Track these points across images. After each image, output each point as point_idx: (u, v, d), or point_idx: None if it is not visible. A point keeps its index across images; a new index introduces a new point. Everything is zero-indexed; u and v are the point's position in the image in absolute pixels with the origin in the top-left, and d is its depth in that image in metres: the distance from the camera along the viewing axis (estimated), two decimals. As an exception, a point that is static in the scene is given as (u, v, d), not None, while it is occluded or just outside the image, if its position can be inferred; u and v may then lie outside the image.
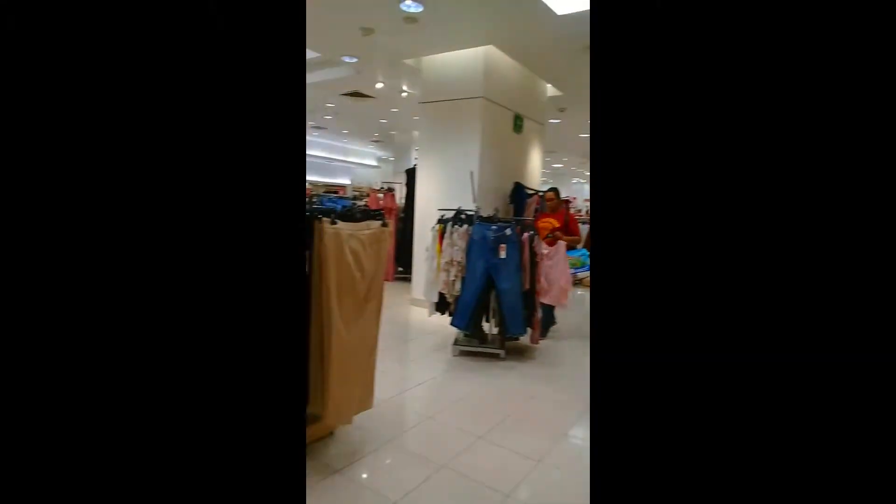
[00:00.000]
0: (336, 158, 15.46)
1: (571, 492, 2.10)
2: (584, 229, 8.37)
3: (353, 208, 2.52)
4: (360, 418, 2.49)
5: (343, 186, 14.86)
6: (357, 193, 7.77)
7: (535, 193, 5.76)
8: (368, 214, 2.41)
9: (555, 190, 4.74)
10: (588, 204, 19.39)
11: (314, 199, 2.65)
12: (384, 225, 2.38)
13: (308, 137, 12.51)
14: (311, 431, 2.30)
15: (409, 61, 5.81)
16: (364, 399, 2.42)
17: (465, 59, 5.25)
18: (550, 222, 4.43)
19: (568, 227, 4.49)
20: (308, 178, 11.43)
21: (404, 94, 7.39)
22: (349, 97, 7.92)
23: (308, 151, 12.20)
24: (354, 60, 5.91)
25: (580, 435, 2.66)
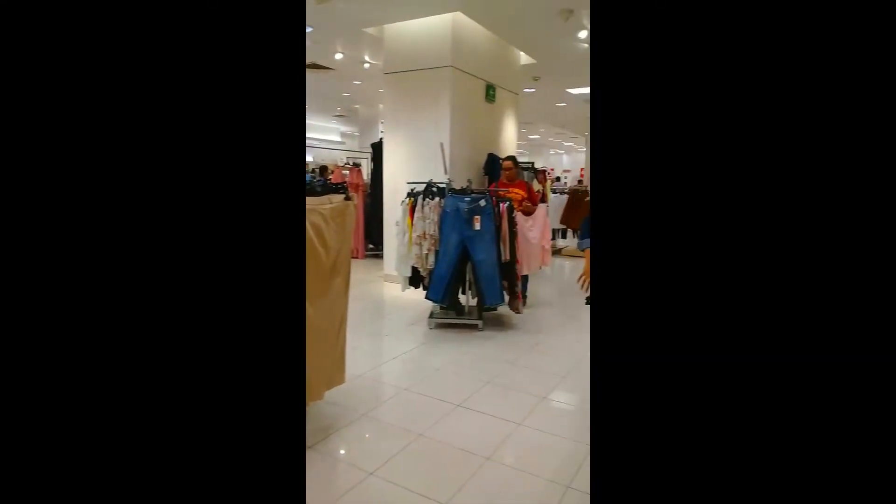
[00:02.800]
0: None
1: (553, 451, 2.14)
2: (558, 199, 8.37)
3: (312, 182, 2.46)
4: (332, 394, 2.46)
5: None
6: (315, 169, 7.37)
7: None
8: (329, 188, 2.35)
9: (512, 158, 4.71)
10: (567, 175, 19.31)
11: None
12: (347, 198, 2.31)
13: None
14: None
15: (370, 30, 5.56)
16: (334, 375, 2.39)
17: (431, 26, 5.08)
18: (518, 192, 4.44)
19: (530, 197, 4.52)
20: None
21: (367, 66, 7.07)
22: (307, 69, 7.57)
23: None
24: (310, 30, 5.58)
25: (561, 398, 2.71)
